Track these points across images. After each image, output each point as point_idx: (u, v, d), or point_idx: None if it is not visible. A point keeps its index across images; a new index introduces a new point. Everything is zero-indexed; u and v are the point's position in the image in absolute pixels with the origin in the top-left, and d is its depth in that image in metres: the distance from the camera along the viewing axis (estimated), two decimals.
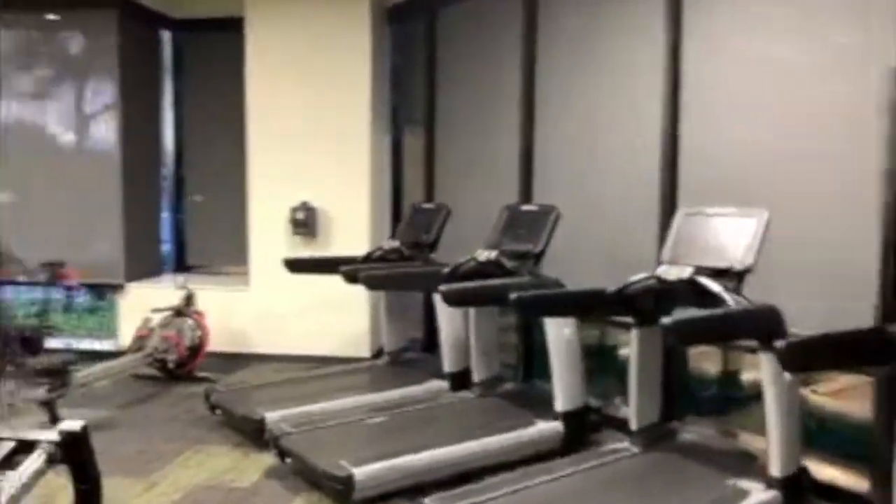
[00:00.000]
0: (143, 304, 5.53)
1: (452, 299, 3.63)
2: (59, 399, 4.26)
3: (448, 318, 4.60)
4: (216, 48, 6.46)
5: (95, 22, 6.05)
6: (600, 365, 4.69)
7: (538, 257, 4.09)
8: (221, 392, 4.45)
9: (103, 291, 6.46)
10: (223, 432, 4.23)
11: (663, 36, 3.99)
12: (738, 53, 3.73)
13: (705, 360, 4.31)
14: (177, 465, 3.81)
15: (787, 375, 2.84)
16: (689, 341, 3.16)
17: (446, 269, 4.13)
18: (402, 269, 4.66)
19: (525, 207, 4.40)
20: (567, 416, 3.87)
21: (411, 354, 5.29)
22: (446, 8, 5.66)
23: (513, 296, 3.09)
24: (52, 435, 1.98)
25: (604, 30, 4.46)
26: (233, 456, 3.92)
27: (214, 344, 5.57)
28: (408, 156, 6.30)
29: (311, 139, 5.76)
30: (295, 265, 4.91)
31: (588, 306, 3.41)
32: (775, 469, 2.99)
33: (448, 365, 4.64)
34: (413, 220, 5.18)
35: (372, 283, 4.30)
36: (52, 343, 6.08)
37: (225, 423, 4.30)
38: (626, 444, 3.59)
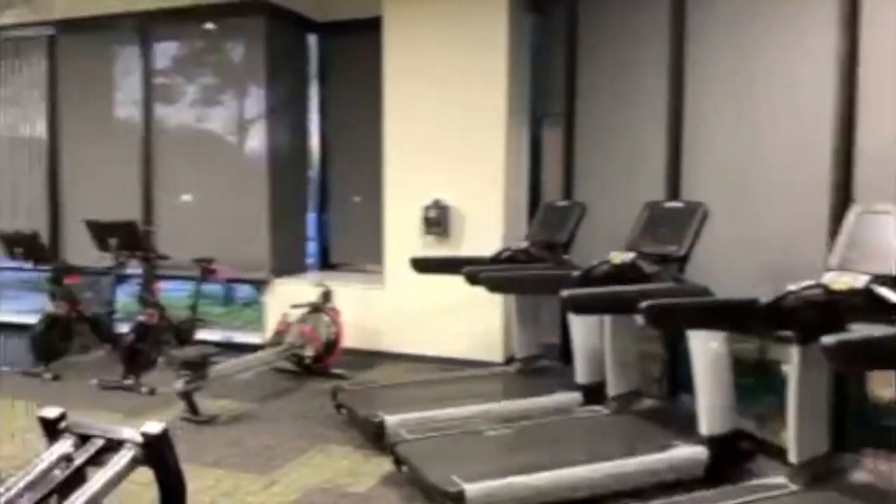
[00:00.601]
0: (288, 300, 5.69)
1: (576, 306, 3.31)
2: (196, 391, 4.43)
3: (581, 326, 4.27)
4: (360, 50, 6.50)
5: (245, 29, 6.32)
6: (759, 382, 4.14)
7: (682, 261, 3.65)
8: (347, 391, 4.41)
9: (258, 286, 6.72)
10: (348, 432, 4.18)
11: (836, 11, 3.42)
12: None
13: (888, 382, 3.66)
14: (298, 464, 3.79)
15: None
16: (857, 366, 2.63)
17: (577, 273, 3.80)
18: (526, 270, 4.38)
19: (668, 205, 3.96)
20: (713, 441, 3.41)
21: (544, 362, 4.99)
22: None
23: (643, 305, 2.72)
24: (137, 436, 1.94)
25: (762, 10, 3.92)
26: (353, 458, 3.86)
27: (350, 341, 5.62)
28: (548, 151, 6.00)
29: (445, 136, 5.63)
30: (421, 264, 4.79)
31: (735, 319, 2.95)
32: None
33: (581, 376, 4.31)
34: (546, 219, 4.88)
35: (493, 285, 4.07)
36: (211, 335, 6.47)
37: (349, 422, 4.25)
38: (783, 478, 3.09)
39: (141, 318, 5.28)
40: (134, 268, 5.91)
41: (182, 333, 5.62)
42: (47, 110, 6.97)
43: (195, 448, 3.98)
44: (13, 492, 1.89)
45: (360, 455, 3.88)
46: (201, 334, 6.10)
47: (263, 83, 6.29)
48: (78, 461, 1.93)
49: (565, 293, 3.19)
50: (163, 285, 6.41)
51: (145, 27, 6.53)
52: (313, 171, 7.00)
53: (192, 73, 6.74)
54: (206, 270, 5.77)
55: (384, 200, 5.89)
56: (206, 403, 4.56)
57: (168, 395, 4.69)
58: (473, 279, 4.07)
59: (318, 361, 5.35)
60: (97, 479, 1.90)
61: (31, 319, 5.93)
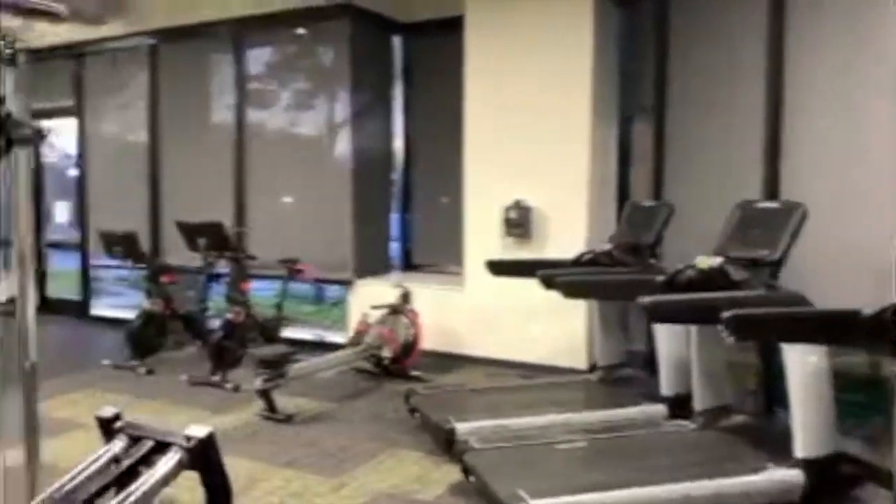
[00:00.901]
0: (370, 301, 5.71)
1: (654, 314, 3.09)
2: (274, 389, 4.48)
3: (666, 334, 4.03)
4: (444, 49, 6.43)
5: (330, 33, 6.39)
6: (868, 399, 3.76)
7: (776, 266, 3.36)
8: (420, 395, 4.34)
9: (345, 286, 6.79)
10: (420, 437, 4.11)
11: None
12: None
13: None
14: (369, 467, 3.76)
15: None
16: None
17: (660, 278, 3.56)
18: (605, 275, 4.16)
19: (762, 205, 3.66)
20: (810, 464, 3.11)
21: (627, 371, 4.76)
22: None
23: (725, 315, 2.49)
24: (182, 439, 1.93)
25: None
26: (423, 464, 3.78)
27: (429, 343, 5.57)
28: (637, 150, 5.72)
29: (527, 136, 5.47)
30: (497, 267, 4.67)
31: (831, 332, 2.66)
32: None
33: (665, 387, 4.06)
34: (631, 220, 4.64)
35: (569, 290, 3.89)
36: (302, 333, 6.63)
37: (422, 427, 4.19)
38: None
39: (228, 316, 5.43)
40: (225, 267, 6.09)
41: (268, 331, 5.74)
42: (148, 117, 7.32)
43: (271, 447, 4.03)
44: (67, 488, 1.93)
45: (430, 461, 3.80)
46: (293, 333, 6.26)
47: (349, 85, 6.33)
48: (126, 462, 1.94)
49: (644, 300, 2.98)
50: (254, 284, 6.61)
51: (238, 34, 6.73)
52: (397, 172, 7.00)
53: (280, 78, 6.90)
54: (291, 270, 5.87)
55: (464, 201, 5.80)
56: (285, 402, 4.63)
57: (252, 392, 4.78)
58: (549, 283, 3.91)
59: (397, 363, 5.33)
60: (143, 480, 1.90)
61: (130, 315, 6.24)
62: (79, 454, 2.02)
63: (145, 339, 5.82)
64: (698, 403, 3.80)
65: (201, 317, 6.12)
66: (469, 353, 5.74)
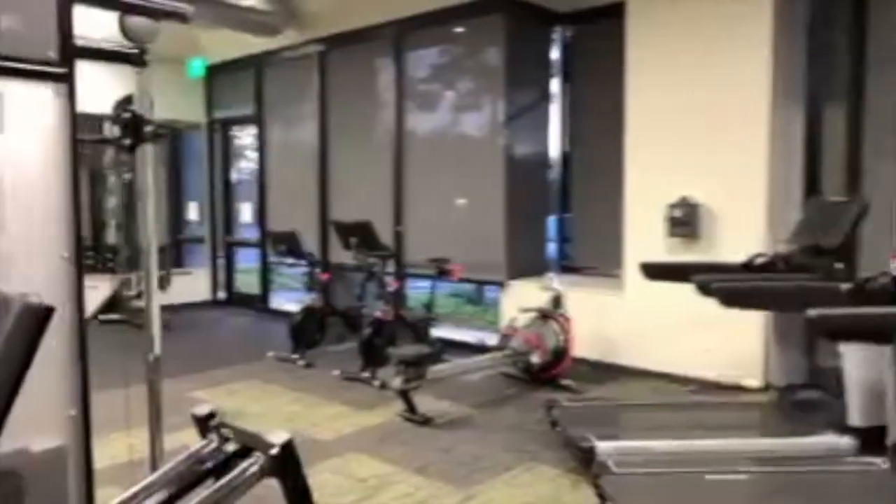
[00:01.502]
0: (522, 303, 5.49)
1: (826, 330, 2.55)
2: (413, 390, 4.41)
3: (855, 353, 3.39)
4: (607, 39, 6.00)
5: (485, 29, 6.21)
6: None
7: None
8: (562, 407, 4.04)
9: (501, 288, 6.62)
10: (560, 452, 3.82)
11: None
12: None
13: None
14: (501, 481, 3.54)
15: None
16: None
17: (845, 286, 2.99)
18: (774, 281, 3.58)
19: None
20: None
21: (810, 393, 4.09)
22: None
23: None
24: (264, 445, 1.85)
25: None
26: (559, 483, 3.49)
27: (584, 350, 5.25)
28: (829, 139, 4.97)
29: (695, 128, 4.97)
30: (652, 270, 4.23)
31: None
32: None
33: (855, 416, 3.42)
34: (814, 219, 3.99)
35: (727, 298, 3.38)
36: (463, 335, 6.58)
37: (564, 442, 3.88)
38: None
39: (377, 314, 5.47)
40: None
41: (417, 330, 5.71)
42: (318, 121, 7.63)
43: (405, 449, 3.95)
44: (159, 482, 1.93)
45: (567, 480, 3.50)
46: (450, 333, 6.23)
47: (504, 82, 6.14)
48: (208, 464, 1.90)
49: (812, 312, 2.47)
50: (414, 283, 6.64)
51: (399, 36, 6.78)
52: (555, 171, 6.68)
53: (438, 78, 6.84)
54: (441, 270, 5.79)
55: (625, 199, 5.38)
56: (427, 403, 4.54)
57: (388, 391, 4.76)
58: (706, 289, 3.44)
59: (546, 370, 5.05)
60: (227, 481, 1.84)
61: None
62: None
63: (306, 334, 6.04)
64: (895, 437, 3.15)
65: (358, 313, 6.24)
66: (627, 364, 5.32)
